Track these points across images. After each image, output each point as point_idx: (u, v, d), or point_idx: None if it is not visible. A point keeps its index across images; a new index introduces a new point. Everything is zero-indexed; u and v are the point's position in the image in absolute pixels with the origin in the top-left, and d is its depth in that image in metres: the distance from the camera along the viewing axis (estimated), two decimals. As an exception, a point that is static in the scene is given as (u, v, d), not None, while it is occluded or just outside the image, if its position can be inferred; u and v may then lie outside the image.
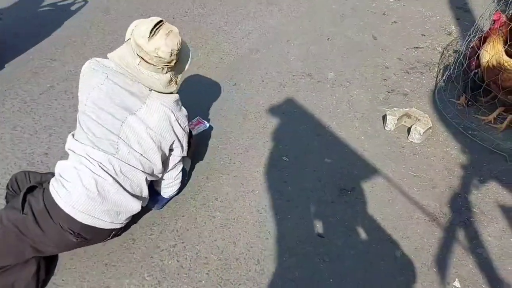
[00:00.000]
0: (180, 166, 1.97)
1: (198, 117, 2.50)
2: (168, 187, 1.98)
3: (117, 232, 1.82)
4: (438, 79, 2.97)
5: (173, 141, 1.80)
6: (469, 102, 2.71)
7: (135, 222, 1.96)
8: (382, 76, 2.99)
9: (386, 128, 2.54)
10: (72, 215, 1.57)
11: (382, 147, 2.43)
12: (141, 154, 1.71)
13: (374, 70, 3.05)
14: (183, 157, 1.96)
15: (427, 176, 2.26)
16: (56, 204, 1.57)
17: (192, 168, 2.25)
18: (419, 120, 2.47)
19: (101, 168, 1.63)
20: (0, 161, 2.24)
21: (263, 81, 2.93)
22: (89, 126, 1.66)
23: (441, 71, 3.04)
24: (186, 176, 2.13)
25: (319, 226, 1.99)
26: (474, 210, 2.08)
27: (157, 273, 1.76)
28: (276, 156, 2.36)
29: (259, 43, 3.32)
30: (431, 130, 2.48)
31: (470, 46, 2.76)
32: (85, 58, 3.01)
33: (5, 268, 1.59)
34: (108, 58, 1.73)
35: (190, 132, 2.12)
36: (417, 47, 3.33)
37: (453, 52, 3.24)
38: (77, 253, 1.81)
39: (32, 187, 1.66)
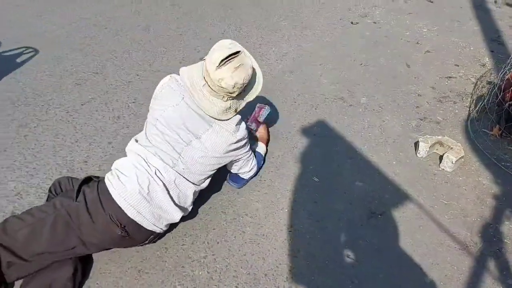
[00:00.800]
0: (251, 159, 2.17)
1: (257, 104, 2.61)
2: (246, 174, 2.21)
3: (154, 238, 1.88)
4: (471, 109, 2.97)
5: (234, 155, 1.96)
6: (503, 134, 2.69)
7: (170, 231, 2.01)
8: (414, 103, 3.01)
9: (418, 154, 2.55)
10: (122, 207, 1.66)
11: (414, 173, 2.43)
12: (197, 173, 1.83)
13: (406, 97, 3.08)
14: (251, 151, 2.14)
15: (459, 204, 2.24)
16: (110, 195, 1.67)
17: (225, 184, 2.30)
18: (451, 148, 2.47)
19: (156, 174, 1.73)
20: (42, 167, 2.34)
21: (295, 102, 2.98)
22: (156, 139, 1.78)
23: (474, 101, 3.04)
24: (263, 160, 2.38)
25: (348, 248, 2.00)
26: (505, 240, 2.06)
27: (188, 283, 1.80)
28: (306, 176, 2.39)
29: (293, 66, 3.40)
30: (463, 159, 2.48)
31: (505, 78, 2.77)
32: (125, 73, 3.18)
33: (43, 269, 1.66)
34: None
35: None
36: (450, 77, 3.35)
37: (487, 83, 3.24)
38: (112, 258, 1.87)
39: (88, 179, 1.77)
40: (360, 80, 3.26)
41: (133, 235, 1.73)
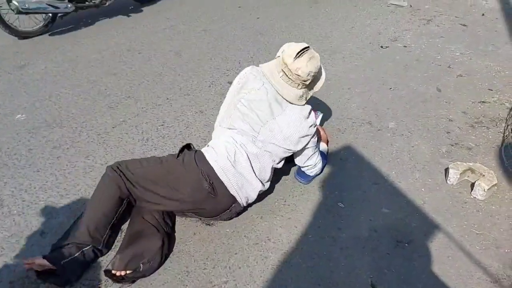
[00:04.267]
0: (317, 154, 2.35)
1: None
2: (311, 169, 2.37)
3: (234, 210, 2.13)
4: (505, 135, 2.86)
5: (304, 142, 2.16)
6: (540, 161, 2.58)
7: (191, 255, 2.02)
8: (445, 129, 2.93)
9: (448, 181, 2.47)
10: (212, 166, 2.02)
11: (443, 201, 2.36)
12: (274, 154, 2.11)
13: (437, 122, 3.01)
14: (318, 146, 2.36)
15: (491, 235, 2.15)
16: (204, 157, 2.05)
17: (251, 205, 2.30)
18: (483, 176, 2.39)
19: (242, 147, 2.07)
20: (72, 188, 2.41)
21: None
22: (237, 121, 2.11)
23: (509, 127, 2.93)
24: (326, 159, 2.55)
25: (373, 277, 1.94)
26: (543, 275, 1.95)
27: (207, 308, 1.79)
28: (331, 202, 2.36)
29: (320, 90, 3.38)
30: (496, 187, 2.38)
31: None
32: (156, 96, 3.26)
33: (137, 240, 1.95)
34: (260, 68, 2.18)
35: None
36: (483, 102, 3.25)
37: (523, 108, 3.13)
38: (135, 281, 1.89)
39: (188, 146, 2.20)
40: (388, 104, 3.21)
41: (218, 194, 2.02)
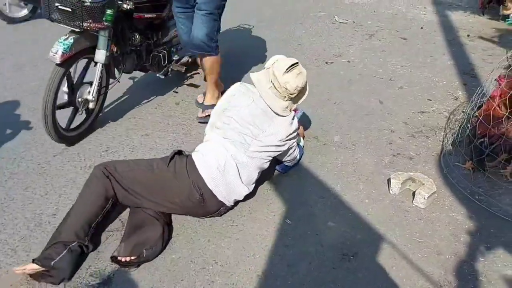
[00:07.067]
0: (297, 150, 2.55)
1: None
2: (290, 162, 2.60)
3: (222, 211, 2.31)
4: (444, 143, 2.98)
5: (290, 143, 2.38)
6: (475, 168, 2.68)
7: (135, 284, 1.97)
8: (387, 140, 3.02)
9: (390, 191, 2.54)
10: (203, 176, 2.14)
11: (387, 211, 2.42)
12: (262, 158, 2.27)
13: (379, 133, 3.10)
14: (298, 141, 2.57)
15: (432, 242, 2.21)
16: (195, 166, 2.17)
17: (195, 230, 2.28)
18: (423, 184, 2.47)
19: (232, 156, 2.20)
20: (9, 222, 2.30)
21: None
22: (230, 133, 2.25)
23: (447, 135, 3.06)
24: (302, 150, 2.77)
25: (319, 293, 1.95)
26: (480, 278, 2.02)
27: None
28: (279, 219, 2.36)
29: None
30: (436, 195, 2.47)
31: (475, 115, 2.80)
32: (100, 120, 3.17)
33: (139, 229, 2.12)
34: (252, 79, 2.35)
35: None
36: (423, 112, 3.39)
37: (460, 117, 3.27)
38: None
39: (180, 152, 2.29)
40: (333, 118, 3.28)
41: (208, 201, 2.17)
